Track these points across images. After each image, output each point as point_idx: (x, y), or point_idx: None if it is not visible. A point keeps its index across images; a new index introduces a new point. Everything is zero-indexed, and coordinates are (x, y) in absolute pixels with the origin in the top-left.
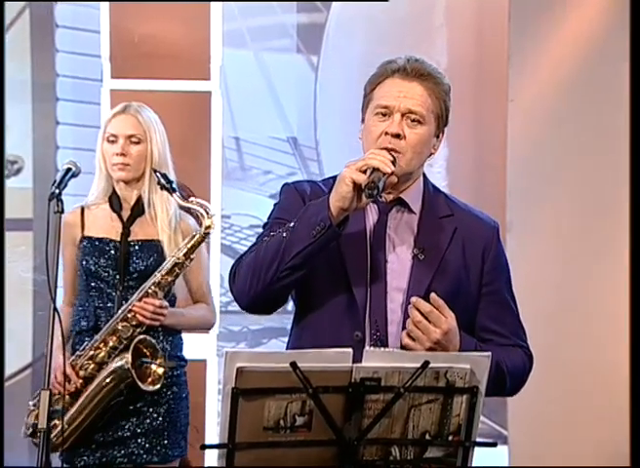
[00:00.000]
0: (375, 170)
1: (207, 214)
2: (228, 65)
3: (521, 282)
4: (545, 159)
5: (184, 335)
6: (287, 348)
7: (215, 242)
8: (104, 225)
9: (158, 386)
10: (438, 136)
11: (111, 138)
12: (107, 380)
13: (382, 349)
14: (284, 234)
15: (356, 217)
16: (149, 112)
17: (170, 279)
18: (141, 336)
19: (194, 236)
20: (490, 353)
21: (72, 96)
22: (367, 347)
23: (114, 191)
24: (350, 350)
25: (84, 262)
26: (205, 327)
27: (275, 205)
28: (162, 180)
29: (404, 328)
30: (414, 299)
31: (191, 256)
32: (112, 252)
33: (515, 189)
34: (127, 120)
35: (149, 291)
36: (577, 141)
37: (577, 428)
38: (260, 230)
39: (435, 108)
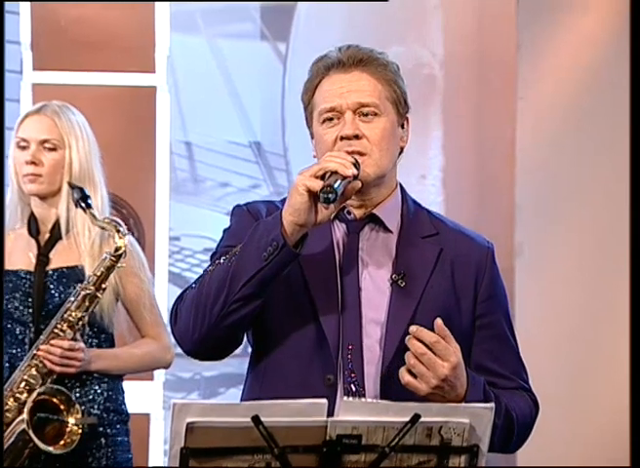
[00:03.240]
0: (332, 173)
1: (118, 232)
2: (177, 55)
3: (533, 315)
4: (562, 168)
5: (126, 385)
6: (242, 398)
7: (161, 269)
8: (21, 254)
9: (72, 447)
10: (403, 126)
11: (22, 144)
12: (8, 445)
13: (363, 399)
14: (230, 260)
15: (321, 238)
16: (72, 114)
17: (80, 315)
18: (48, 387)
19: (103, 260)
20: (493, 404)
21: None
22: (344, 397)
23: (32, 211)
24: (325, 401)
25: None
26: (155, 367)
27: (224, 231)
28: (75, 195)
29: (384, 367)
30: (414, 328)
31: (102, 286)
32: (27, 285)
33: (525, 205)
34: (41, 122)
35: (56, 330)
36: (599, 148)
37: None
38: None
39: (389, 94)
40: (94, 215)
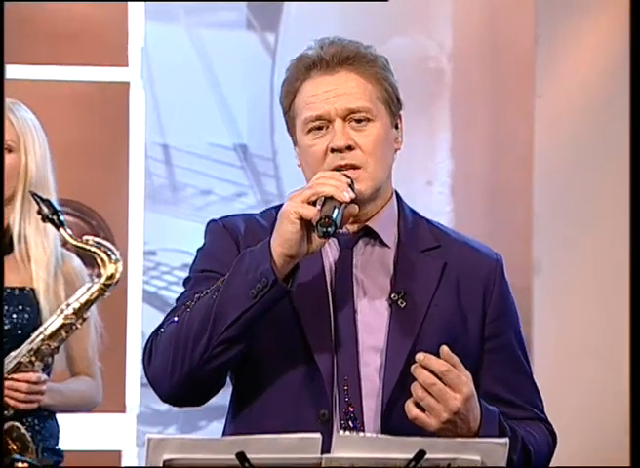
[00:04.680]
0: (327, 199)
1: (109, 258)
2: (153, 47)
3: (552, 337)
4: (584, 174)
5: (93, 417)
6: (225, 436)
7: (135, 288)
8: None
9: None
10: (397, 126)
11: None
12: None
13: (361, 434)
14: (213, 296)
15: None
16: (26, 112)
17: (53, 345)
18: (6, 424)
19: (89, 287)
20: (507, 439)
21: None
22: (339, 431)
23: None
24: (319, 435)
25: None
26: (87, 407)
27: (199, 251)
28: (44, 209)
29: (385, 399)
30: (421, 356)
31: (84, 316)
32: None
33: (544, 215)
34: None
35: (23, 360)
36: (625, 151)
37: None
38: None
39: (380, 93)
40: (70, 234)
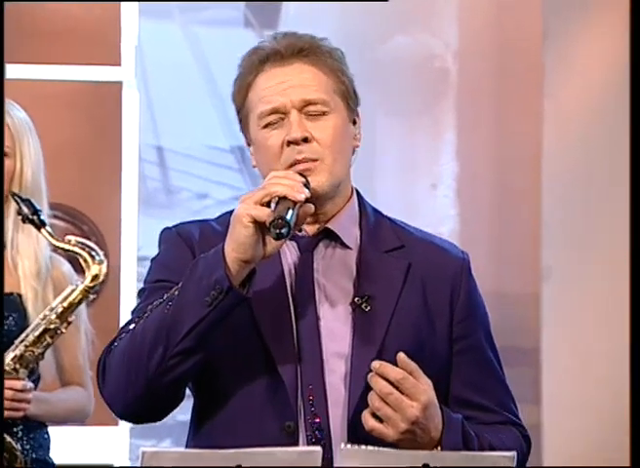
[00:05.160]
0: (281, 199)
1: (92, 259)
2: (147, 45)
3: (561, 348)
4: (595, 177)
5: (85, 430)
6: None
7: (127, 295)
8: None
9: None
10: (355, 122)
11: None
12: None
13: (364, 447)
14: (167, 305)
15: (269, 261)
16: (19, 112)
17: (38, 351)
18: None
19: (73, 290)
20: (514, 453)
21: None
22: (305, 443)
23: None
24: (319, 449)
25: None
26: (77, 418)
27: (152, 261)
28: (24, 209)
29: (351, 408)
30: (377, 364)
31: (69, 319)
32: None
33: (554, 220)
34: None
35: (8, 368)
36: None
37: None
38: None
39: (336, 86)
40: (52, 235)
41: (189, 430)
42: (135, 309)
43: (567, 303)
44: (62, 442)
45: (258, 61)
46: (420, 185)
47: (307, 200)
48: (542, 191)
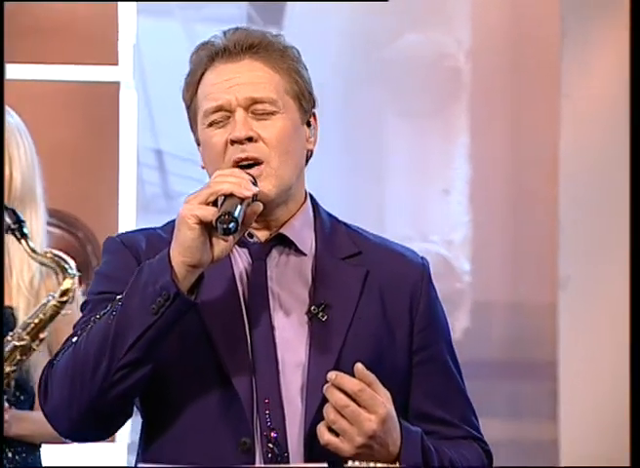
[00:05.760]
0: (227, 197)
1: (64, 272)
2: (145, 43)
3: (579, 359)
4: (614, 181)
5: (81, 447)
6: None
7: None
8: None
9: None
10: (309, 124)
11: None
12: None
13: (366, 464)
14: (111, 316)
15: (219, 270)
16: (10, 116)
17: (9, 370)
18: None
19: (44, 305)
20: None
21: None
22: (262, 460)
23: None
24: (325, 465)
25: None
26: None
27: (96, 273)
28: (7, 219)
29: (307, 422)
30: (333, 375)
31: (40, 336)
32: None
33: (571, 227)
34: None
35: None
36: None
37: None
38: None
39: (289, 86)
40: (31, 247)
41: (138, 450)
42: (77, 323)
43: (585, 314)
44: (59, 460)
45: (206, 58)
46: (432, 190)
47: (255, 198)
48: (560, 196)
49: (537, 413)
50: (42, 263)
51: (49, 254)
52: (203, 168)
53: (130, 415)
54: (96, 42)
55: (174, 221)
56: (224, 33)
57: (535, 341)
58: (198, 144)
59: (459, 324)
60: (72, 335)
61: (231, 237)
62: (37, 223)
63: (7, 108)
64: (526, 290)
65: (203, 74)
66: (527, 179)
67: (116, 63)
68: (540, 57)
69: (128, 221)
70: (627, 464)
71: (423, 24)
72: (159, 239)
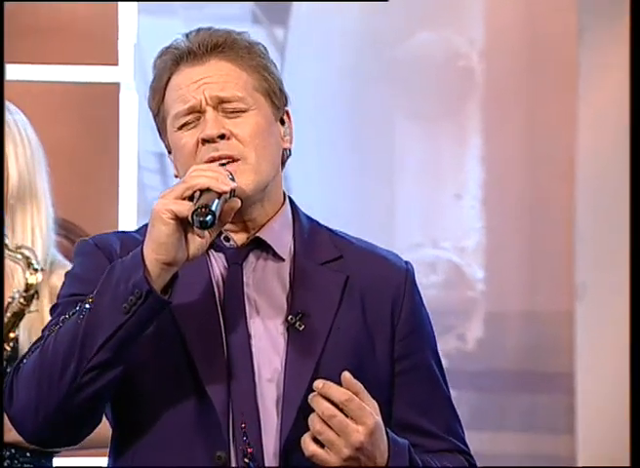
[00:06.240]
0: (204, 192)
1: (29, 267)
2: (146, 43)
3: (597, 371)
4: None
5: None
6: None
7: None
8: None
9: None
10: (283, 122)
11: None
12: None
13: None
14: (80, 315)
15: (195, 274)
16: (8, 112)
17: None
18: None
19: (11, 302)
20: None
21: None
22: None
23: None
24: None
25: None
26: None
27: (67, 275)
28: None
29: (283, 436)
30: (319, 383)
31: (10, 336)
32: None
33: (589, 233)
34: None
35: None
36: None
37: None
38: None
39: (258, 83)
40: (6, 246)
41: (108, 460)
42: (46, 326)
43: (603, 323)
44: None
45: (171, 62)
46: (443, 195)
47: (233, 194)
48: (577, 201)
49: (553, 427)
50: (12, 260)
51: (15, 248)
52: (176, 176)
53: (99, 422)
54: (94, 41)
55: (147, 224)
56: (187, 35)
57: (551, 352)
58: (169, 152)
59: (471, 334)
60: (40, 338)
61: (207, 233)
62: (39, 221)
63: (7, 103)
64: (542, 298)
65: (169, 79)
66: (542, 183)
67: (116, 63)
68: (556, 56)
69: (128, 227)
70: None
71: (435, 23)
72: (134, 241)
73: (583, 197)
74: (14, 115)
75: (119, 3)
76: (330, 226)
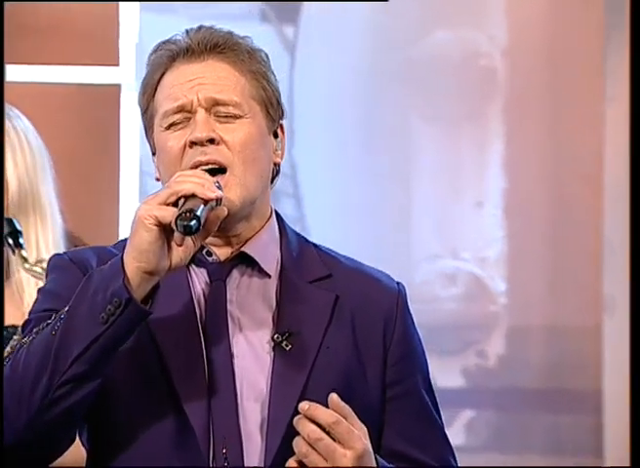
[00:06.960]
0: (189, 198)
1: None
2: (148, 42)
3: (627, 386)
4: None
5: None
6: None
7: None
8: None
9: None
10: (277, 135)
11: None
12: None
13: None
14: (55, 326)
15: (176, 290)
16: (10, 118)
17: None
18: None
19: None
20: None
21: None
22: None
23: None
24: None
25: None
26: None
27: (39, 291)
28: (6, 228)
29: (267, 461)
30: (305, 405)
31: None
32: None
33: (618, 244)
34: None
35: None
36: None
37: None
38: None
39: (255, 91)
40: (24, 258)
41: None
42: (16, 344)
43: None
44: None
45: (166, 58)
46: (464, 203)
47: (219, 203)
48: (605, 208)
49: (579, 449)
50: (33, 275)
51: (44, 265)
52: (157, 179)
53: (73, 440)
54: (95, 41)
55: (125, 240)
56: (187, 32)
57: (577, 369)
58: (153, 153)
59: (493, 350)
60: (11, 352)
61: (191, 242)
62: (44, 230)
63: (8, 109)
64: (567, 312)
65: (163, 75)
66: (568, 190)
67: (117, 64)
68: (581, 56)
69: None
70: None
71: (455, 21)
72: (111, 256)
73: (612, 204)
74: (13, 121)
75: (120, 2)
76: (339, 236)
